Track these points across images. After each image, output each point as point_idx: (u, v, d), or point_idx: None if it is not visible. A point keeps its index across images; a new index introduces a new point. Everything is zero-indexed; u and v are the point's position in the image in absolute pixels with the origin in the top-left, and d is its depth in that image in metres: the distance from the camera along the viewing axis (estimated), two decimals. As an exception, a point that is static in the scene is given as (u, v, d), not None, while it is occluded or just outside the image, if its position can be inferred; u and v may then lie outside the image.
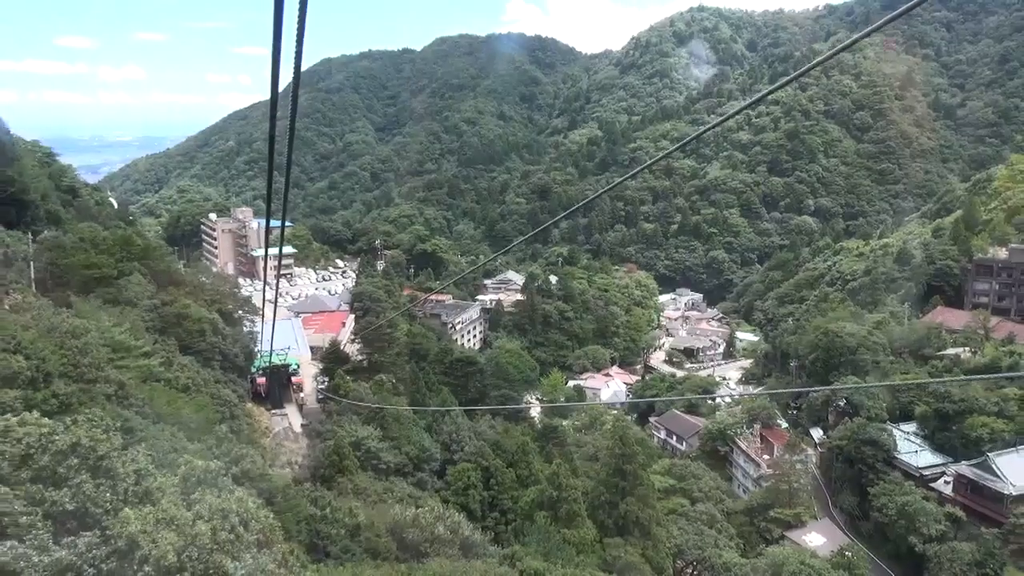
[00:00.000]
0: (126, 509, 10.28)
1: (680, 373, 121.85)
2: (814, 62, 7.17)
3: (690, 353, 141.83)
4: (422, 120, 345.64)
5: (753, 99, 8.29)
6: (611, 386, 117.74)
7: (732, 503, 67.61)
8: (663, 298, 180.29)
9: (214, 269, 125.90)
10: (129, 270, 49.98)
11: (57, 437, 11.52)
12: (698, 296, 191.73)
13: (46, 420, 12.04)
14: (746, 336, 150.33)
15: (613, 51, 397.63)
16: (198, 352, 48.11)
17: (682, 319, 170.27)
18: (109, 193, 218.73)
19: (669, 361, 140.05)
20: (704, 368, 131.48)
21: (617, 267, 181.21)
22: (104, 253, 48.64)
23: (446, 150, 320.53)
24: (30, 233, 56.06)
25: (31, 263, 52.07)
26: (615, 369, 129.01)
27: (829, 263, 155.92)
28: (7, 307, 37.11)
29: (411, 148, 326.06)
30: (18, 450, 11.08)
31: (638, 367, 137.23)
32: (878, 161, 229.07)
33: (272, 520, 13.31)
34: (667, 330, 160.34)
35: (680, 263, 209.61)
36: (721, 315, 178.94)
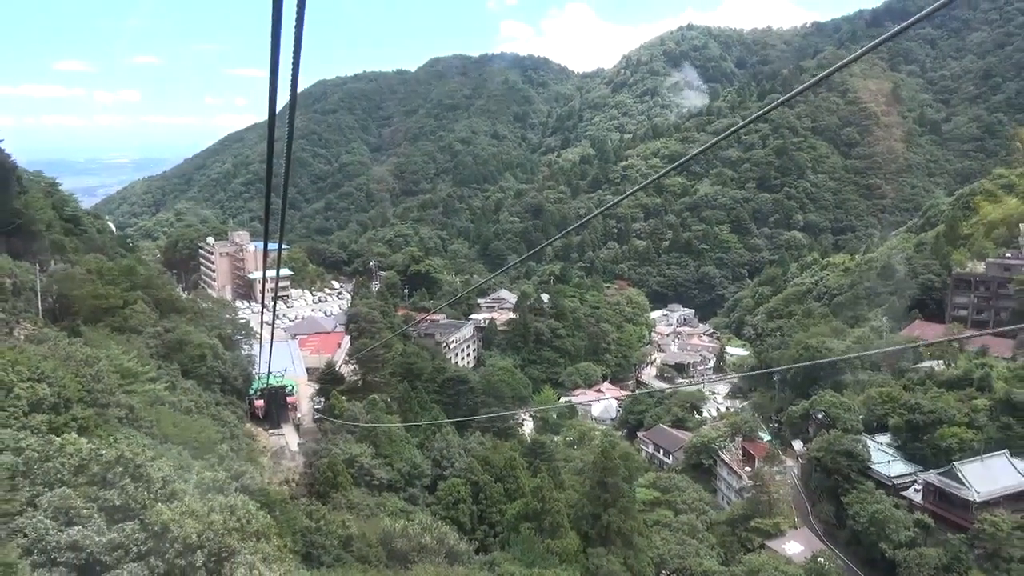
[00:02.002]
0: (159, 504, 13.34)
1: (669, 388, 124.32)
2: (805, 84, 7.21)
3: (681, 368, 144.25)
4: (417, 140, 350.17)
5: (746, 121, 8.47)
6: (602, 402, 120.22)
7: (715, 514, 70.02)
8: (655, 314, 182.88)
9: (212, 292, 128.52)
10: (133, 299, 52.56)
11: (104, 451, 14.52)
12: (690, 312, 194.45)
13: (83, 440, 15.12)
14: (736, 351, 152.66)
15: (605, 70, 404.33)
16: (199, 376, 50.65)
17: (673, 335, 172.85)
18: (108, 218, 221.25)
19: (660, 376, 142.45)
20: (694, 383, 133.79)
21: (608, 284, 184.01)
22: (110, 284, 51.26)
23: (441, 169, 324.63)
24: (37, 264, 58.69)
25: (38, 293, 54.69)
26: (606, 385, 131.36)
27: (816, 278, 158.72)
28: (23, 337, 39.70)
29: (406, 168, 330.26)
30: (74, 461, 14.18)
31: (629, 383, 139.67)
32: (865, 176, 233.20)
33: (268, 519, 16.17)
34: (658, 346, 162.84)
35: (672, 279, 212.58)
36: (712, 330, 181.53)
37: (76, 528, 13.19)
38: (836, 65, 6.54)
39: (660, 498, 69.38)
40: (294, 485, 48.27)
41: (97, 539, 12.94)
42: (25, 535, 12.33)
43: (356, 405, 62.98)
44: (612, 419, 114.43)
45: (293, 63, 4.41)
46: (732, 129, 7.72)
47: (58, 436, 17.81)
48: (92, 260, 60.48)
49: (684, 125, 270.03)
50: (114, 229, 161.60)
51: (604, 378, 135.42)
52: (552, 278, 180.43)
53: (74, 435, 16.12)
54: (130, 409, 32.51)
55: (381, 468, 52.21)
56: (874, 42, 5.83)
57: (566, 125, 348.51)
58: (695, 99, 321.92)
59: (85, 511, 13.65)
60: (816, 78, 7.02)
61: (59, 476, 14.68)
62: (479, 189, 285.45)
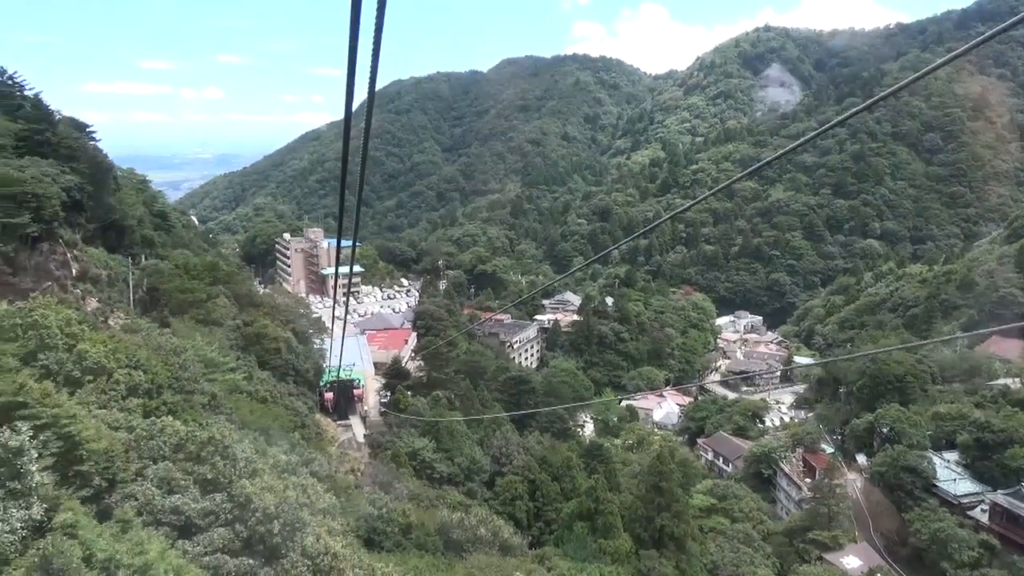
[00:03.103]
0: (243, 480, 15.47)
1: (732, 396, 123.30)
2: (891, 89, 6.89)
3: (746, 376, 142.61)
4: (487, 141, 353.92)
5: (825, 127, 7.99)
6: (663, 407, 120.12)
7: (772, 524, 69.56)
8: (722, 320, 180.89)
9: (287, 286, 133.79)
10: (216, 293, 56.04)
11: (198, 433, 16.82)
12: (758, 319, 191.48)
13: (178, 423, 17.55)
14: (805, 360, 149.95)
15: (678, 71, 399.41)
16: (274, 368, 53.67)
17: (740, 342, 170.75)
18: (191, 212, 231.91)
19: (725, 384, 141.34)
20: (759, 392, 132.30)
21: (675, 289, 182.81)
22: (196, 278, 54.80)
23: (510, 170, 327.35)
24: (129, 257, 63.02)
25: (130, 285, 58.82)
26: (669, 390, 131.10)
27: (891, 288, 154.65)
28: (118, 326, 43.10)
29: (476, 168, 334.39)
30: (173, 440, 16.55)
31: (692, 389, 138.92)
32: (948, 184, 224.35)
33: (334, 500, 18.15)
34: (724, 352, 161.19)
35: (740, 285, 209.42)
36: (780, 339, 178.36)
37: (176, 496, 15.48)
38: (927, 69, 6.18)
39: (717, 505, 69.36)
40: (359, 475, 50.73)
41: (193, 506, 15.19)
42: (136, 499, 14.64)
43: (420, 400, 65.49)
44: (673, 425, 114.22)
45: (372, 63, 4.47)
46: (810, 135, 7.95)
47: (149, 419, 20.31)
48: (179, 256, 64.52)
49: (758, 129, 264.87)
50: (197, 223, 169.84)
51: (667, 383, 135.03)
52: (617, 281, 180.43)
53: (170, 418, 18.56)
54: (212, 396, 35.15)
55: (442, 462, 54.38)
56: (970, 44, 5.45)
57: (636, 127, 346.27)
58: (782, 96, 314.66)
59: (183, 482, 15.87)
60: (904, 82, 6.52)
61: (161, 452, 16.96)
62: (548, 190, 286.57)
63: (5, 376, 14.67)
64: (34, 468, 11.58)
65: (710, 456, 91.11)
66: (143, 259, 68.50)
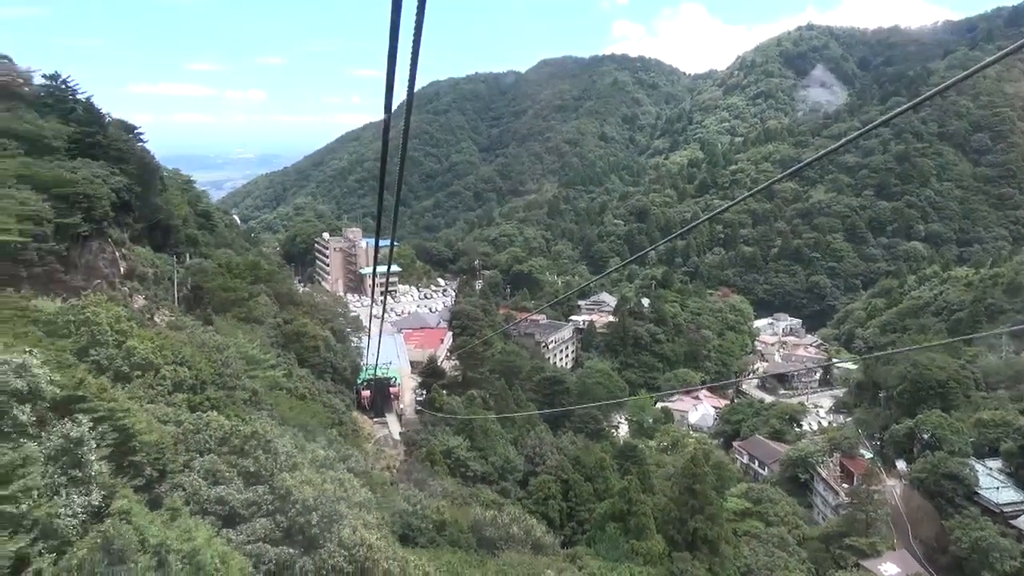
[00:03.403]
0: (283, 473, 16.28)
1: (769, 399, 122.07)
2: (938, 88, 6.62)
3: (783, 379, 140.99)
4: (525, 141, 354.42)
5: (869, 127, 7.72)
6: (699, 409, 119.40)
7: (808, 529, 68.92)
8: (760, 323, 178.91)
9: (326, 285, 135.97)
10: (257, 292, 57.48)
11: (241, 428, 17.71)
12: (796, 322, 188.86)
13: (222, 418, 18.48)
14: (844, 364, 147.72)
15: (718, 71, 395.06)
16: (313, 365, 54.91)
17: (778, 344, 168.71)
18: (234, 211, 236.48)
19: (762, 386, 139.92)
20: (797, 395, 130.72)
21: (712, 291, 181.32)
22: (238, 277, 56.29)
23: (547, 170, 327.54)
24: (174, 256, 64.91)
25: (175, 283, 60.58)
26: (704, 393, 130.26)
27: (935, 292, 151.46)
28: (164, 323, 44.58)
29: (513, 168, 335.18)
30: (219, 434, 17.43)
31: (729, 391, 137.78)
32: (997, 185, 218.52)
33: (370, 495, 18.89)
34: (762, 355, 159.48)
35: (779, 287, 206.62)
36: (820, 342, 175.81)
37: (221, 487, 16.39)
38: (976, 67, 5.94)
39: (751, 509, 68.92)
40: (394, 471, 51.64)
41: (237, 496, 16.07)
42: (184, 489, 15.52)
43: (455, 399, 66.21)
44: (709, 427, 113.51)
45: (411, 64, 4.47)
46: (854, 135, 8.06)
47: (195, 413, 21.30)
48: (222, 255, 66.22)
49: (798, 129, 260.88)
50: (239, 222, 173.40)
51: (702, 385, 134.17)
52: (653, 282, 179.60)
53: (215, 413, 19.54)
54: (254, 392, 36.23)
55: (476, 461, 55.02)
56: (1021, 42, 5.11)
57: (675, 127, 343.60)
58: (824, 95, 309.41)
59: (227, 474, 16.75)
60: (952, 80, 6.25)
61: (207, 445, 17.85)
62: (584, 191, 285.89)
63: (66, 371, 15.60)
64: (93, 458, 12.47)
65: (745, 459, 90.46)
66: (187, 258, 70.46)
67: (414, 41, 4.25)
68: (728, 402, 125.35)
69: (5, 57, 65.47)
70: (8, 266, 35.90)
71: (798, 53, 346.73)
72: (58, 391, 13.45)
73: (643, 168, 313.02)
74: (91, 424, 13.00)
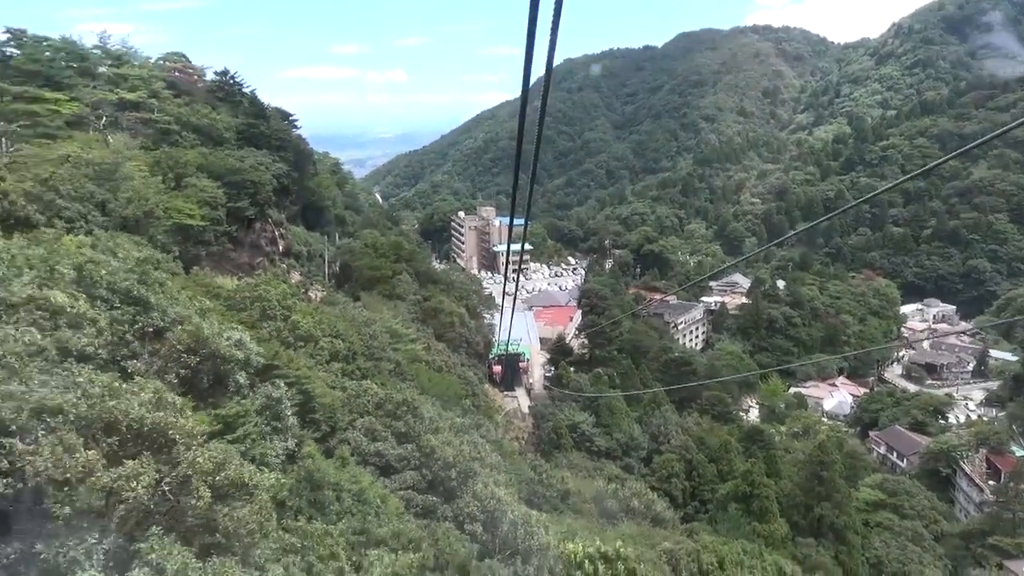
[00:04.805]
0: (428, 435, 19.40)
1: (913, 388, 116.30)
2: None
3: (932, 369, 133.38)
4: (660, 117, 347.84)
5: None
6: (835, 396, 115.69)
7: (948, 525, 66.52)
8: (908, 308, 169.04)
9: (461, 262, 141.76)
10: (399, 270, 62.05)
11: (394, 395, 21.02)
12: (950, 308, 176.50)
13: (375, 386, 22.02)
14: (1003, 355, 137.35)
15: (870, 39, 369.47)
16: (449, 340, 58.87)
17: (928, 331, 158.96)
18: (375, 189, 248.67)
19: (907, 375, 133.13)
20: (946, 386, 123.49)
21: (854, 274, 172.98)
22: (382, 256, 61.00)
23: (682, 148, 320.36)
24: (325, 235, 70.77)
25: (326, 261, 66.28)
26: (842, 380, 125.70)
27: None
28: (318, 299, 49.59)
29: (647, 146, 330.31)
30: (375, 400, 20.87)
31: (869, 379, 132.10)
32: None
33: (500, 459, 21.71)
34: (908, 342, 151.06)
35: (932, 271, 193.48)
36: (976, 330, 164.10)
37: (379, 443, 19.88)
38: None
39: (885, 500, 67.15)
40: (522, 442, 54.82)
41: (391, 452, 19.53)
42: (349, 444, 18.95)
43: (582, 376, 68.71)
44: (845, 416, 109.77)
45: (550, 41, 4.43)
46: None
47: (354, 382, 24.95)
48: (368, 235, 71.56)
49: (959, 102, 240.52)
50: (380, 201, 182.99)
51: (840, 372, 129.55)
52: (791, 264, 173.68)
53: (367, 381, 23.12)
54: (397, 364, 40.09)
55: (600, 436, 57.41)
56: None
57: (820, 101, 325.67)
58: (990, 63, 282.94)
59: (383, 433, 20.11)
60: None
61: (366, 409, 21.36)
62: (720, 168, 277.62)
63: (266, 345, 19.20)
64: (289, 413, 15.85)
65: (882, 450, 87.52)
66: (337, 237, 76.55)
67: (553, 18, 4.28)
68: (867, 390, 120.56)
69: (181, 55, 73.55)
70: (193, 247, 41.67)
71: (963, 16, 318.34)
72: (261, 360, 16.89)
73: (784, 144, 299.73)
74: (285, 387, 16.37)
